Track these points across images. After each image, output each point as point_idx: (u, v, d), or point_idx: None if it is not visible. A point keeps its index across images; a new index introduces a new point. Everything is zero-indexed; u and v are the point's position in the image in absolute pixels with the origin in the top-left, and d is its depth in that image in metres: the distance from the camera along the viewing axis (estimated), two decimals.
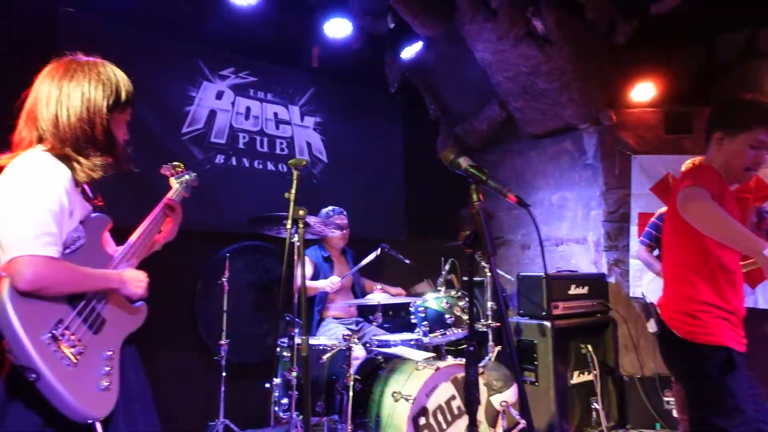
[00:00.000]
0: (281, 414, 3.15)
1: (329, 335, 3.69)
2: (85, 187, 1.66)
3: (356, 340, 3.05)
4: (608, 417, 3.97)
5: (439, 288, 3.59)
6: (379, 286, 3.51)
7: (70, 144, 1.55)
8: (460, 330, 3.37)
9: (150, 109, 3.80)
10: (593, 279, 4.32)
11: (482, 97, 5.21)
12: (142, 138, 3.65)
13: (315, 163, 4.76)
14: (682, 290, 2.15)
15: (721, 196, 2.02)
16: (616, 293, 4.49)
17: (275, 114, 4.54)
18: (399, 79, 5.13)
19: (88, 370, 1.45)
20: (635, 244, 4.15)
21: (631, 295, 4.46)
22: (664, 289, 2.29)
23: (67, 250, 1.51)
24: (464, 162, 1.60)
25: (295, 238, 2.67)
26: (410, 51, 4.65)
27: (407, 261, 3.99)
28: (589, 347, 3.93)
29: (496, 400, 3.36)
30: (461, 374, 3.09)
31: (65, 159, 1.54)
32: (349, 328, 3.78)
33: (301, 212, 2.57)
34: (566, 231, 4.93)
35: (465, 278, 4.48)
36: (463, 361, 3.23)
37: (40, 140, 1.57)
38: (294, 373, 2.74)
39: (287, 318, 3.22)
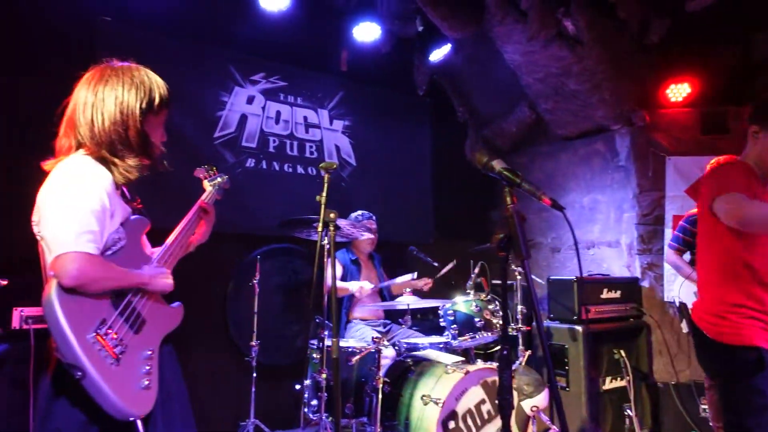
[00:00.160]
0: (311, 415, 3.18)
1: (358, 337, 3.70)
2: (124, 189, 1.71)
3: (386, 343, 3.05)
4: (642, 424, 3.89)
5: (468, 291, 3.57)
6: (408, 290, 3.48)
7: (105, 147, 1.60)
8: (489, 333, 3.35)
9: (183, 115, 3.88)
10: (626, 283, 4.25)
11: (511, 99, 5.17)
12: (176, 142, 3.68)
13: (343, 167, 4.79)
14: (711, 292, 2.20)
15: (747, 188, 2.03)
16: (649, 297, 4.39)
17: (305, 118, 4.59)
18: (427, 82, 5.14)
19: (129, 368, 1.48)
20: None
21: (665, 299, 4.36)
22: (698, 290, 2.33)
23: (109, 252, 1.56)
24: (498, 165, 1.59)
25: (325, 241, 2.69)
26: (438, 54, 4.64)
27: (435, 263, 3.99)
28: (622, 352, 3.86)
29: (527, 405, 3.32)
30: (491, 378, 3.07)
31: (104, 162, 1.59)
32: (377, 330, 3.78)
33: (332, 215, 2.59)
34: (598, 234, 4.85)
35: (495, 281, 4.45)
36: (492, 365, 3.21)
37: (79, 146, 1.62)
38: (323, 375, 2.76)
39: (317, 320, 3.24)
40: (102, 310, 1.49)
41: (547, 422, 3.41)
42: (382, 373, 2.98)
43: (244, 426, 3.58)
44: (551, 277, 4.17)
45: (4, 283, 2.69)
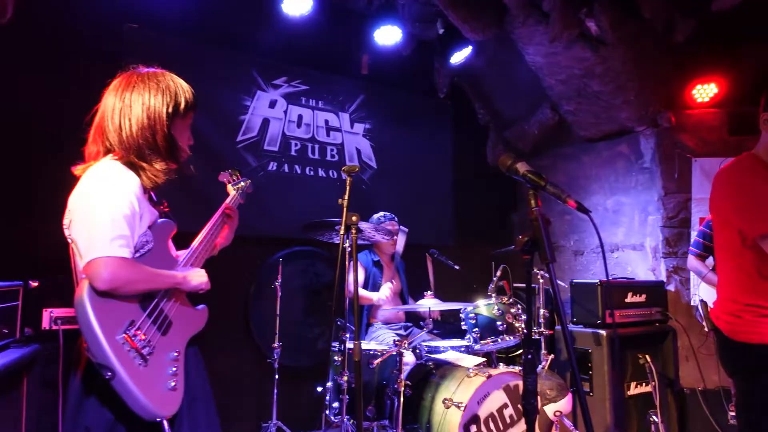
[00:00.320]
0: (332, 418, 3.18)
1: (379, 340, 3.71)
2: (152, 193, 1.74)
3: (407, 346, 3.05)
4: (668, 431, 3.81)
5: (490, 294, 3.55)
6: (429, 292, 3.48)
7: (134, 152, 1.63)
8: (511, 337, 3.32)
9: (207, 119, 3.93)
10: (651, 286, 4.16)
11: (533, 101, 5.13)
12: (199, 146, 3.73)
13: (364, 170, 4.80)
14: (726, 291, 2.21)
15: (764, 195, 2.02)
16: (675, 302, 4.31)
17: (326, 121, 4.62)
18: (448, 85, 5.13)
19: (157, 369, 1.51)
20: None
21: (692, 303, 4.27)
22: (717, 292, 2.35)
23: (137, 254, 1.59)
24: (522, 167, 1.58)
25: (347, 244, 2.70)
26: (459, 56, 4.64)
27: (456, 266, 3.98)
28: (647, 357, 3.79)
29: (550, 410, 3.29)
30: (513, 382, 3.05)
31: (132, 166, 1.62)
32: (398, 333, 3.78)
33: (354, 218, 2.60)
34: (622, 237, 4.78)
35: (517, 285, 4.42)
36: (515, 368, 3.19)
37: (108, 152, 1.65)
38: (345, 378, 2.77)
39: (338, 323, 3.25)
40: (131, 312, 1.52)
41: (570, 427, 3.37)
42: (403, 376, 2.97)
43: (266, 427, 3.61)
44: (574, 281, 4.12)
45: (35, 284, 2.75)
